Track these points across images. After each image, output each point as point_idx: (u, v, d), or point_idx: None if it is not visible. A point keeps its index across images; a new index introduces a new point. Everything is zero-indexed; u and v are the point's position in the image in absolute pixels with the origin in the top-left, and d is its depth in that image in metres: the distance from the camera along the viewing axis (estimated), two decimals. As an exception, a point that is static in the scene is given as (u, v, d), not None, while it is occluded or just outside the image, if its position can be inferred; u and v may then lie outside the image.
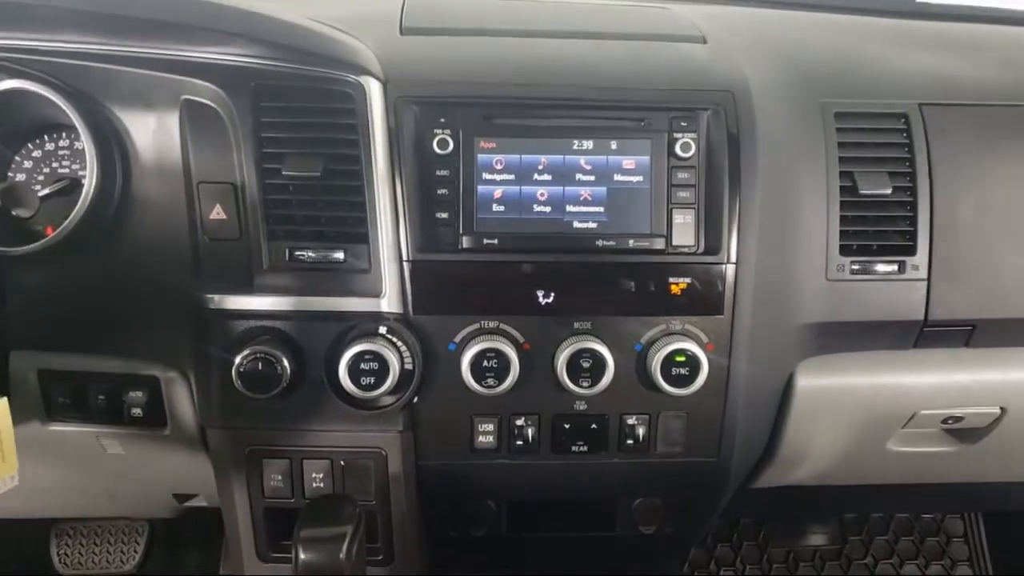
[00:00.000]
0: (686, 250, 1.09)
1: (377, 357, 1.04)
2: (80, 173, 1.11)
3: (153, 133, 1.08)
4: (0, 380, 1.08)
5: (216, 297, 1.08)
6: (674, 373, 1.08)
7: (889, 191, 1.14)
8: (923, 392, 1.24)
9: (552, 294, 1.09)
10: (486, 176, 1.08)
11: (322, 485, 1.16)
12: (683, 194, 1.09)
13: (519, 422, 1.13)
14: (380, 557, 1.23)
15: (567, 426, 1.14)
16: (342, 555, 0.98)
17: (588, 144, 1.08)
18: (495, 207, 1.08)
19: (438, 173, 1.07)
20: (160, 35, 1.04)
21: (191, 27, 1.05)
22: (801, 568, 2.04)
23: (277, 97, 1.06)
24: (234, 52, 1.05)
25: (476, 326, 1.09)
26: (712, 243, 1.09)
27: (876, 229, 1.15)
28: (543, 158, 1.08)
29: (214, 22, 1.06)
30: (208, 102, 1.06)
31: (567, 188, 1.08)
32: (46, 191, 1.09)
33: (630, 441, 1.14)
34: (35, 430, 1.16)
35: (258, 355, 1.04)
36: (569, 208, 1.08)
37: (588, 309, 1.10)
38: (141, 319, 1.12)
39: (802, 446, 1.27)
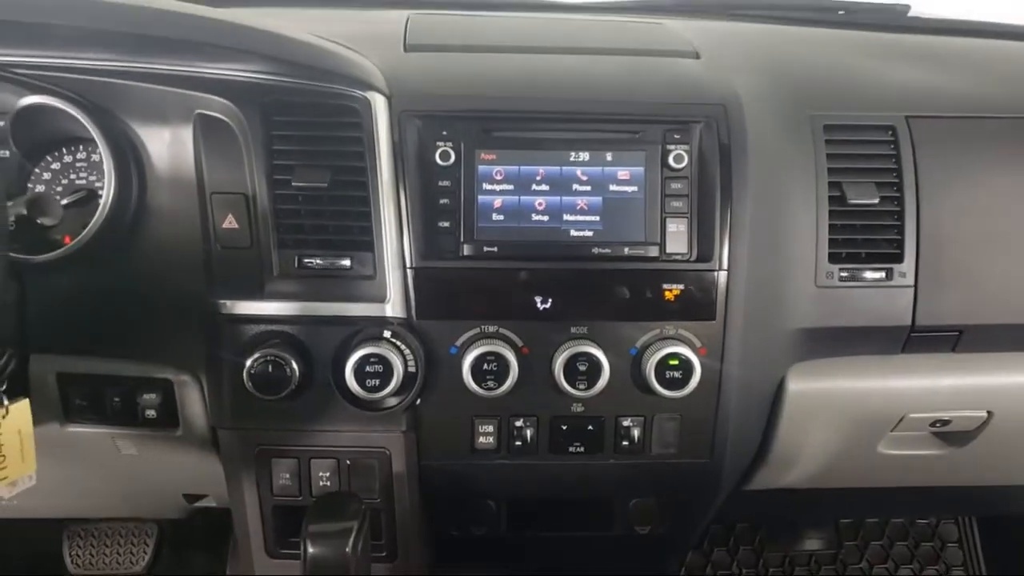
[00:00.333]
0: (679, 258, 1.12)
1: (382, 360, 1.06)
2: (96, 184, 1.14)
3: (168, 146, 1.11)
4: (21, 383, 1.09)
5: (228, 303, 1.10)
6: (668, 376, 1.10)
7: (876, 200, 1.16)
8: (911, 396, 1.26)
9: (550, 300, 1.11)
10: (486, 186, 1.10)
11: (328, 483, 1.18)
12: (676, 203, 1.12)
13: (518, 423, 1.16)
14: (384, 554, 1.25)
15: (564, 427, 1.16)
16: (348, 549, 1.01)
17: (584, 156, 1.11)
18: (495, 216, 1.11)
19: (440, 184, 1.10)
20: (175, 53, 1.06)
21: (204, 45, 1.07)
22: (797, 572, 2.05)
23: (287, 111, 1.08)
24: (246, 68, 1.07)
25: (476, 330, 1.11)
26: (704, 251, 1.12)
27: (864, 237, 1.17)
28: (541, 169, 1.11)
29: (226, 40, 1.08)
30: (221, 116, 1.08)
31: (564, 198, 1.11)
32: (65, 201, 1.12)
33: (625, 442, 1.17)
34: (54, 431, 1.18)
35: (268, 358, 1.06)
36: (566, 217, 1.11)
37: (584, 314, 1.12)
38: (155, 324, 1.14)
39: (794, 448, 1.29)
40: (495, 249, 1.10)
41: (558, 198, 1.11)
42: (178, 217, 1.11)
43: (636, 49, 1.30)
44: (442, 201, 1.10)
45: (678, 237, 1.12)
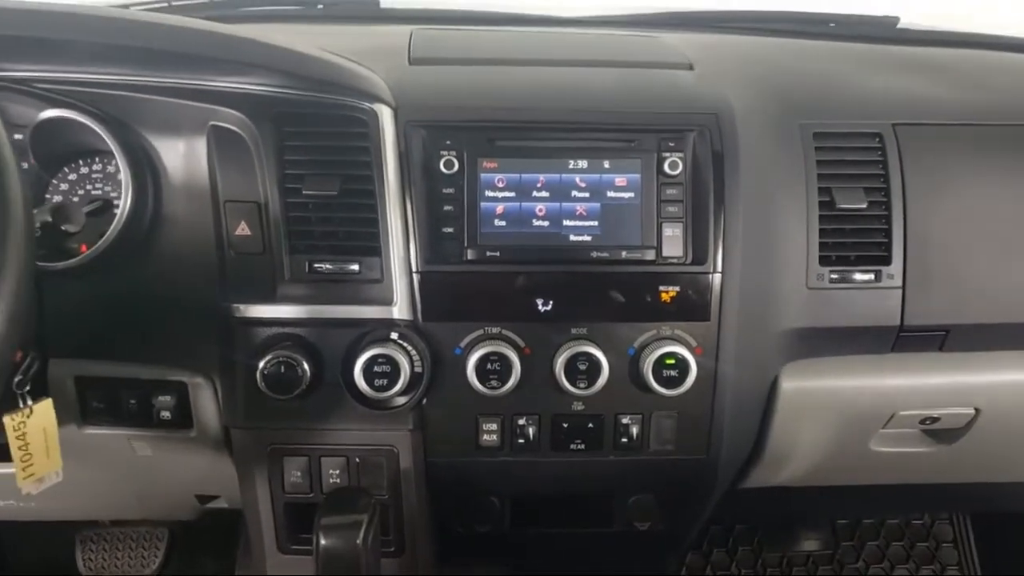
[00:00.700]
0: (675, 261, 1.14)
1: (389, 360, 1.09)
2: (113, 195, 1.16)
3: (183, 157, 1.13)
4: (41, 386, 1.11)
5: (241, 307, 1.13)
6: (665, 375, 1.12)
7: (865, 205, 1.18)
8: (901, 393, 1.27)
9: (550, 302, 1.14)
10: (489, 193, 1.13)
11: (339, 480, 1.20)
12: (672, 209, 1.14)
13: (521, 421, 1.18)
14: (392, 549, 1.27)
15: (565, 425, 1.18)
16: (359, 541, 1.04)
17: (583, 163, 1.14)
18: (497, 222, 1.13)
19: (444, 191, 1.13)
20: (189, 67, 1.09)
21: (217, 59, 1.09)
22: (795, 572, 2.06)
23: (297, 123, 1.11)
24: (257, 82, 1.09)
25: (480, 332, 1.14)
26: (699, 254, 1.14)
27: (853, 240, 1.19)
28: (541, 176, 1.14)
29: (238, 54, 1.10)
30: (233, 128, 1.10)
31: (564, 204, 1.14)
32: (84, 210, 1.13)
33: (624, 439, 1.19)
34: (72, 433, 1.19)
35: (280, 359, 1.09)
36: (566, 222, 1.14)
37: (584, 316, 1.15)
38: (171, 328, 1.16)
39: (788, 445, 1.31)
40: (497, 253, 1.13)
41: (558, 204, 1.14)
42: (192, 225, 1.14)
43: (632, 61, 1.32)
44: (446, 208, 1.13)
45: (674, 241, 1.14)
